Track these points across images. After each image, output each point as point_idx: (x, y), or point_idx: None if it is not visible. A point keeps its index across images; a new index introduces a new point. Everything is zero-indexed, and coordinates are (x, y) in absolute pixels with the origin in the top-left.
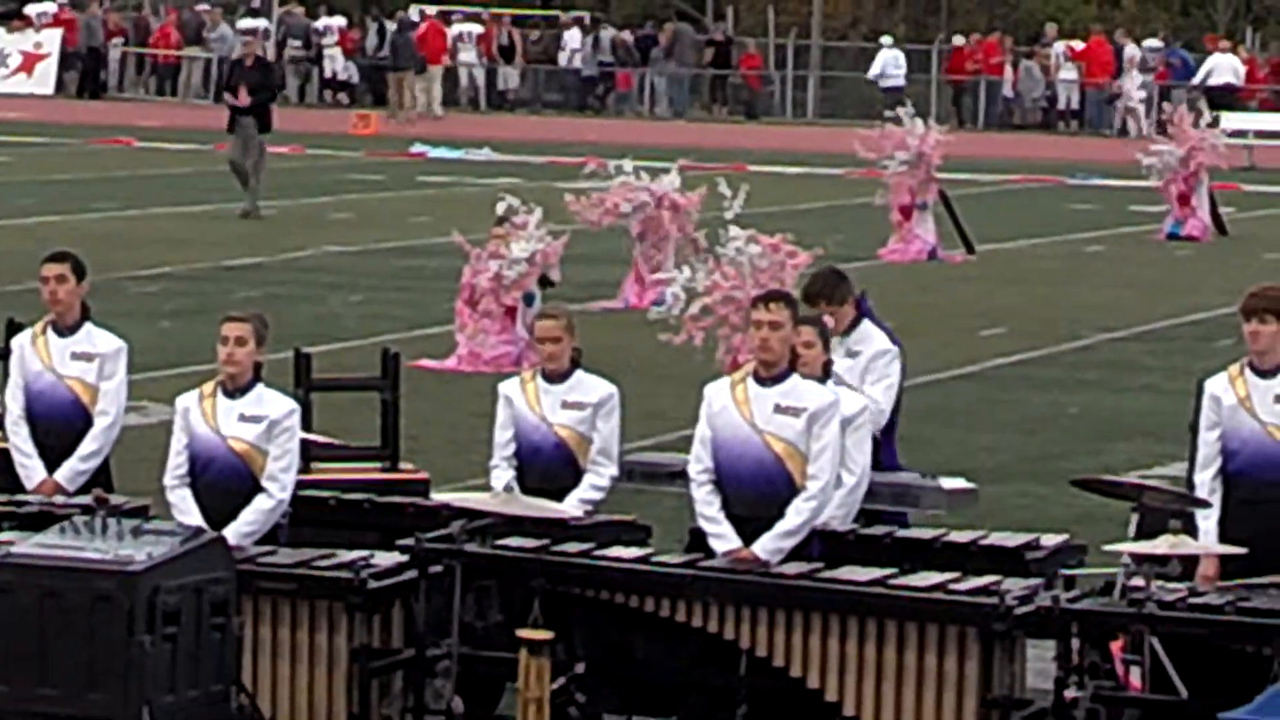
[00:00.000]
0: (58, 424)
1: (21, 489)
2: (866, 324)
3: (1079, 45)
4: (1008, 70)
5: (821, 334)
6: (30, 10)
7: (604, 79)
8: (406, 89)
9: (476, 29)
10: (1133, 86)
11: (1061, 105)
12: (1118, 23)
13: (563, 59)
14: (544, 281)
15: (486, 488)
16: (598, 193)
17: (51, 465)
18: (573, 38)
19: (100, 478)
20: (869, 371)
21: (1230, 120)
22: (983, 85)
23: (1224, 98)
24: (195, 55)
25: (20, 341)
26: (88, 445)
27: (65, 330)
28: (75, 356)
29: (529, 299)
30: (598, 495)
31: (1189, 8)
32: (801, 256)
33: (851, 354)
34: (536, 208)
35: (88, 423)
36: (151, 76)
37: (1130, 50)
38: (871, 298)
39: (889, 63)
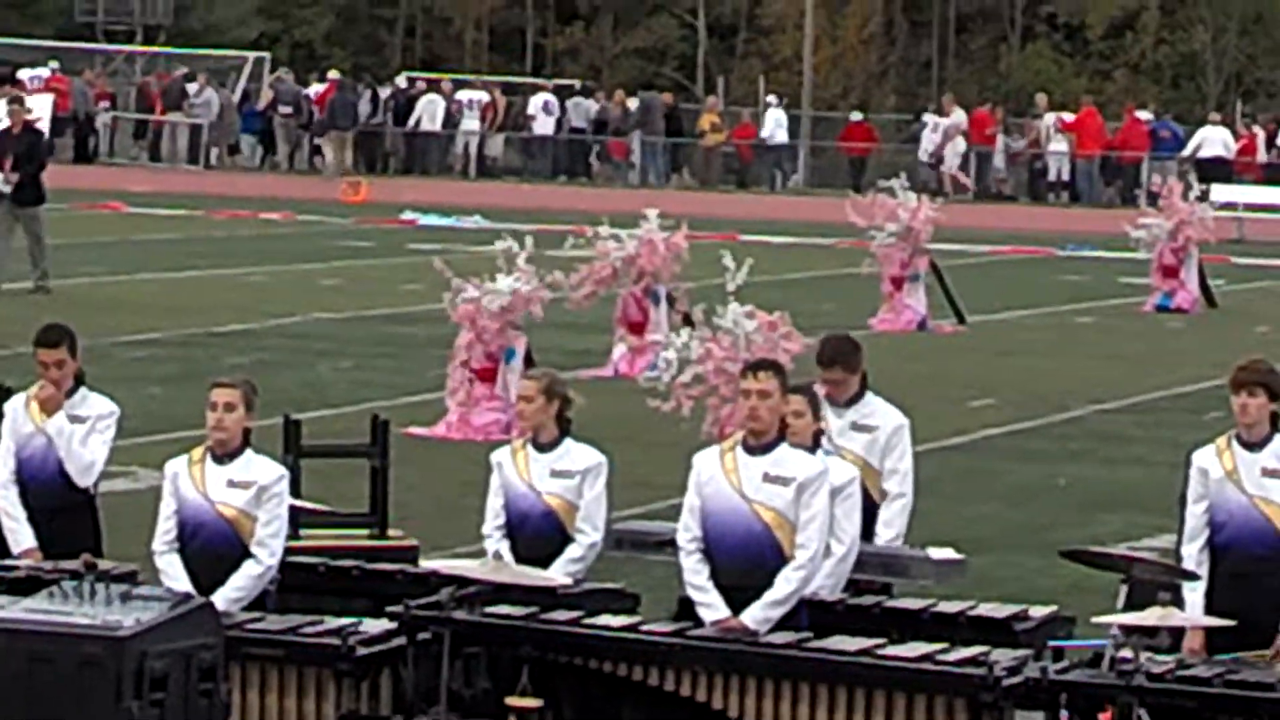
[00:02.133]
0: (46, 488)
1: (7, 553)
2: (871, 395)
3: (1069, 117)
4: (999, 141)
5: (811, 403)
6: (23, 75)
7: (586, 148)
8: (346, 148)
9: (481, 97)
10: (953, 153)
11: (1052, 177)
12: (1109, 95)
13: (536, 126)
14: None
15: (476, 555)
16: (586, 265)
17: (38, 529)
18: (537, 103)
19: (89, 543)
20: (891, 448)
21: (1220, 193)
22: (973, 156)
23: (1214, 170)
24: (179, 121)
25: (13, 405)
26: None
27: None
28: (71, 420)
29: (509, 355)
30: (580, 564)
31: (1179, 80)
32: (796, 341)
33: (861, 428)
34: (528, 243)
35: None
36: (141, 141)
37: (956, 117)
38: None
39: (775, 122)
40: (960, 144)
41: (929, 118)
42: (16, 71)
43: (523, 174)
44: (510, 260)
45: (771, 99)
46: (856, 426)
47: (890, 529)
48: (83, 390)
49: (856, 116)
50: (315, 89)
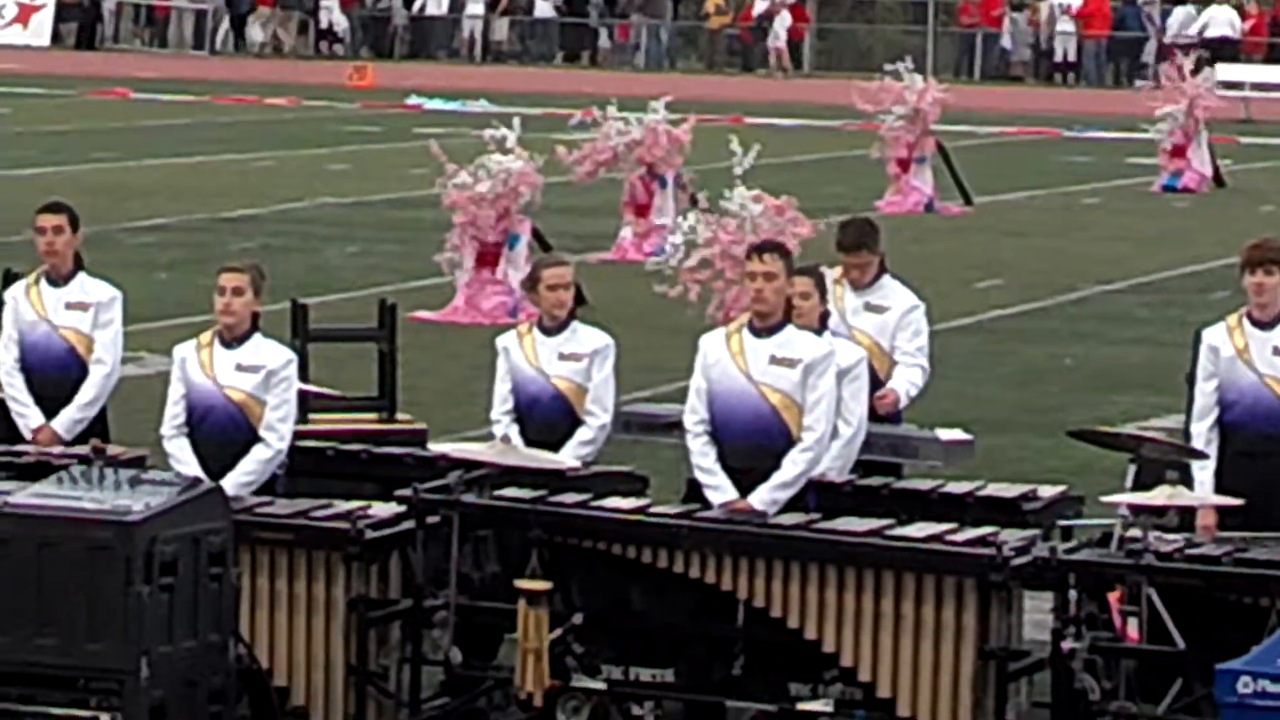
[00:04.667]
0: (53, 374)
1: (19, 439)
2: (889, 278)
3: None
4: (1006, 22)
5: (818, 284)
6: None
7: (592, 31)
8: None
9: None
10: (780, 25)
11: (1059, 58)
12: None
13: (538, 9)
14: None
15: (485, 438)
16: (589, 143)
17: (48, 415)
18: None
19: (97, 428)
20: (902, 328)
21: (1226, 72)
22: (979, 37)
23: (1221, 50)
24: (185, 6)
25: (13, 293)
26: (85, 394)
27: (59, 280)
28: (70, 306)
29: (513, 241)
30: (590, 446)
31: None
32: (803, 225)
33: (874, 308)
34: (516, 125)
35: (83, 372)
36: (146, 28)
37: None
38: None
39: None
40: (786, 17)
41: None
42: None
43: (527, 57)
44: (501, 146)
45: None
46: (870, 307)
47: (898, 383)
48: (81, 275)
49: None
50: None
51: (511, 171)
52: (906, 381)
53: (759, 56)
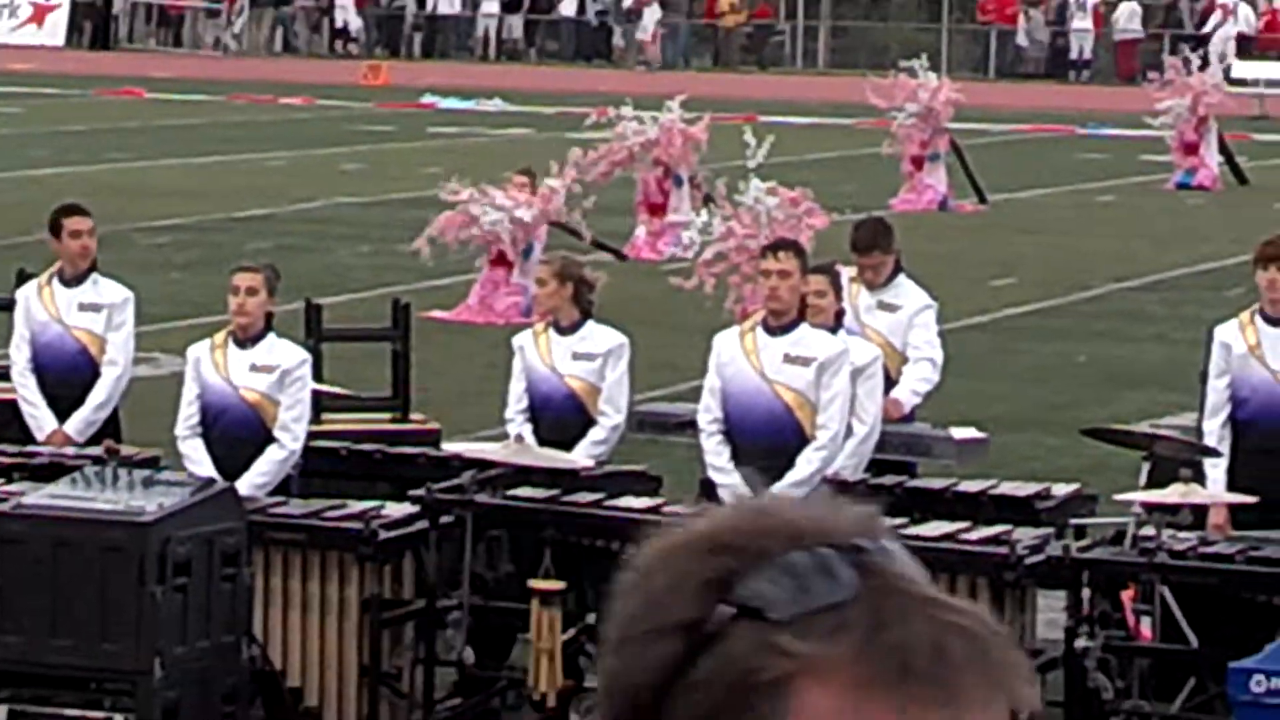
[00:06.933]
0: (65, 375)
1: (31, 440)
2: (903, 278)
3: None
4: (1020, 19)
5: (833, 283)
6: None
7: (607, 30)
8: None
9: None
10: (650, 19)
11: (1074, 55)
12: None
13: (564, 8)
14: (618, 255)
15: (498, 438)
16: (604, 144)
17: (60, 416)
18: None
19: (110, 428)
20: (914, 327)
21: (1242, 69)
22: (994, 34)
23: (1237, 46)
24: (199, 6)
25: (25, 293)
26: (97, 395)
27: (72, 281)
28: (83, 307)
29: (527, 252)
30: (603, 446)
31: None
32: (819, 217)
33: (887, 307)
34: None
35: (95, 373)
36: (160, 27)
37: None
38: None
39: None
40: (656, 10)
41: None
42: None
43: (542, 56)
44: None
45: None
46: (883, 305)
47: (903, 387)
48: (95, 276)
49: None
50: None
51: (523, 221)
52: (914, 378)
53: (771, 54)
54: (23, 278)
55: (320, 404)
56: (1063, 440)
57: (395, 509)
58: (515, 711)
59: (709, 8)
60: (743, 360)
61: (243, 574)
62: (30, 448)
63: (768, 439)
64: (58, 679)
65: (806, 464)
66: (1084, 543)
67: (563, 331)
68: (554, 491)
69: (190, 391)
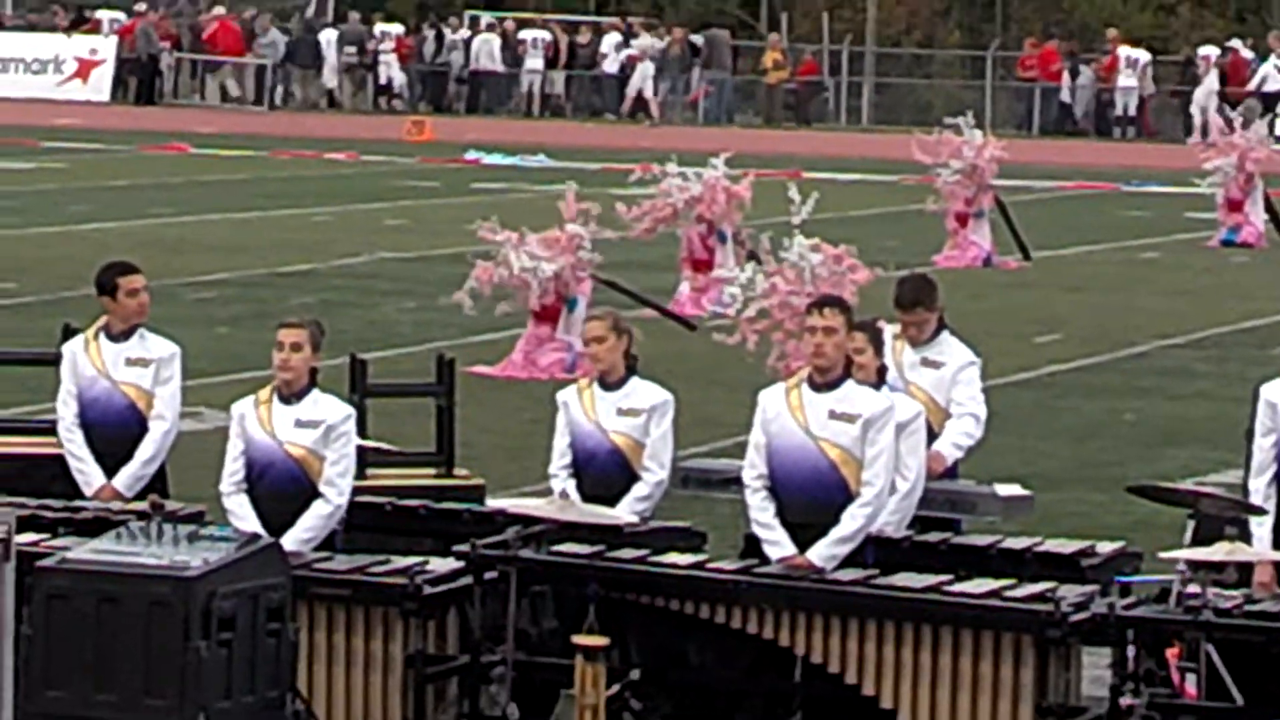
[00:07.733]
0: (113, 430)
1: (78, 494)
2: (947, 334)
3: (1144, 55)
4: (1065, 76)
5: (873, 340)
6: (101, 15)
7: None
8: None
9: (544, 36)
10: (641, 76)
11: (1119, 111)
12: (1174, 29)
13: (606, 65)
14: (688, 325)
15: (543, 494)
16: (649, 200)
17: (108, 471)
18: (610, 42)
19: (156, 484)
20: (957, 383)
21: None
22: (1038, 91)
23: (1277, 102)
24: (246, 62)
25: (72, 348)
26: (145, 450)
27: (119, 336)
28: (130, 362)
29: (571, 304)
30: (647, 502)
31: (1244, 13)
32: (861, 273)
33: (931, 364)
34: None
35: (143, 428)
36: (205, 81)
37: (646, 40)
38: None
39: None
40: (649, 68)
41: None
42: (82, 11)
43: (586, 112)
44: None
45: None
46: (926, 362)
47: (945, 440)
48: (141, 330)
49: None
50: (380, 29)
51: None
52: (957, 433)
53: (815, 111)
54: (68, 333)
55: (365, 459)
56: (1108, 497)
57: (440, 564)
58: None
59: (753, 65)
60: (788, 417)
61: (287, 629)
62: (75, 503)
63: (812, 495)
64: None
65: (851, 520)
66: (1129, 600)
67: (608, 387)
68: (598, 547)
69: (235, 447)
